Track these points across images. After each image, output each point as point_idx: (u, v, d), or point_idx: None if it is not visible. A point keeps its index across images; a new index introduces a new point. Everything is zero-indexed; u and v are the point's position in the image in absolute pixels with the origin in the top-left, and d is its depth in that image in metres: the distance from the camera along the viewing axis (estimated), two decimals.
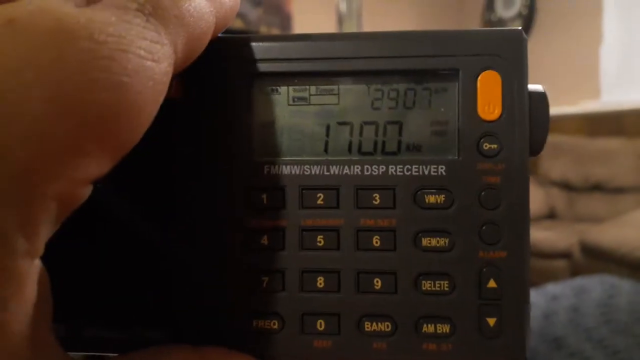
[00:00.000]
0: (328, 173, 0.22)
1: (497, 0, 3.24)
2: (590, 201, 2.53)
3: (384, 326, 0.21)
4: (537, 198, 2.51)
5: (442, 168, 0.21)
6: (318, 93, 0.22)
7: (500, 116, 0.21)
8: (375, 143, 0.22)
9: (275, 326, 0.22)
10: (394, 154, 0.22)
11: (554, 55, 2.69)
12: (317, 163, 0.22)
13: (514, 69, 0.21)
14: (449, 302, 0.21)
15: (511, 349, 0.21)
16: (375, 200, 0.22)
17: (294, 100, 0.22)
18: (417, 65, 0.22)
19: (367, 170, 0.22)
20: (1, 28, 0.14)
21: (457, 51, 0.21)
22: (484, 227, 0.21)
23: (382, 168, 0.22)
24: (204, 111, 0.22)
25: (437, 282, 0.21)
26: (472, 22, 3.36)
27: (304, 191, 0.22)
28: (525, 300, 0.21)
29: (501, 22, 3.17)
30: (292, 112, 0.22)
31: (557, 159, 2.57)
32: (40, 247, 0.15)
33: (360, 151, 0.22)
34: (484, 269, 0.21)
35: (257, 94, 0.22)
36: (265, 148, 0.22)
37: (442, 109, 0.22)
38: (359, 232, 0.22)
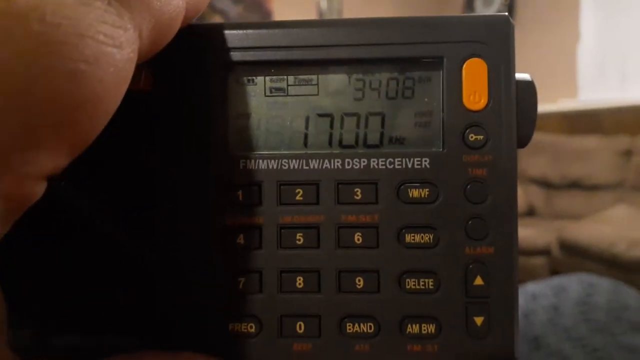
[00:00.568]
0: (307, 167, 0.21)
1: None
2: (569, 198, 2.56)
3: (367, 327, 0.20)
4: None
5: (426, 161, 0.20)
6: (296, 83, 0.21)
7: (487, 106, 0.20)
8: (357, 135, 0.21)
9: (252, 329, 0.21)
10: (376, 146, 0.21)
11: (532, 54, 2.71)
12: (295, 157, 0.21)
13: (500, 56, 0.20)
14: (435, 300, 0.20)
15: (499, 349, 0.20)
16: (357, 196, 0.21)
17: (271, 91, 0.21)
18: (400, 53, 0.21)
19: (348, 164, 0.21)
20: None
21: (441, 38, 0.20)
22: (470, 222, 0.20)
23: (364, 162, 0.21)
24: (175, 104, 0.21)
25: (421, 280, 0.20)
26: None
27: (282, 187, 0.21)
28: (513, 298, 0.20)
29: None
30: (269, 104, 0.21)
31: (536, 157, 2.60)
32: None
33: (341, 144, 0.21)
34: (471, 266, 0.20)
35: (232, 85, 0.21)
36: (240, 142, 0.21)
37: (426, 99, 0.21)
38: (340, 229, 0.21)
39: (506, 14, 0.21)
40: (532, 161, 2.61)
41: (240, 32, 0.21)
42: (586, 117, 2.68)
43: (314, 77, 0.21)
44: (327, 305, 0.20)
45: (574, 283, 0.69)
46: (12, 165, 0.13)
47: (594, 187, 2.51)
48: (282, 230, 0.21)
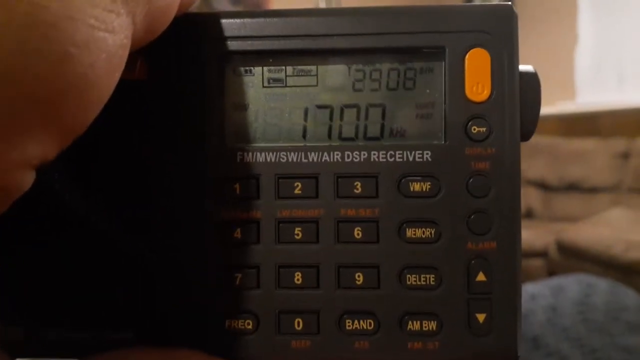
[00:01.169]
0: (306, 160, 0.20)
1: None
2: (567, 200, 2.56)
3: (367, 324, 0.20)
4: None
5: (427, 154, 0.20)
6: (295, 74, 0.21)
7: (490, 97, 0.20)
8: (357, 128, 0.21)
9: (250, 326, 0.20)
10: (376, 139, 0.21)
11: (530, 57, 2.71)
12: (294, 149, 0.20)
13: (503, 46, 0.20)
14: (436, 297, 0.20)
15: (502, 346, 0.19)
16: (357, 189, 0.20)
17: (269, 82, 0.21)
18: (401, 42, 0.20)
19: (348, 157, 0.20)
20: None
21: (443, 28, 0.20)
22: (472, 217, 0.20)
23: (364, 154, 0.20)
24: (171, 94, 0.20)
25: (422, 275, 0.20)
26: None
27: (280, 180, 0.20)
28: (516, 294, 0.20)
29: None
30: (267, 95, 0.21)
31: (534, 159, 2.60)
32: None
33: (340, 137, 0.21)
34: (473, 261, 0.20)
35: (229, 75, 0.21)
36: (237, 134, 0.21)
37: (428, 90, 0.20)
38: (340, 224, 0.20)
39: (510, 3, 0.20)
40: (530, 163, 2.61)
41: (238, 20, 0.20)
42: (584, 119, 2.68)
43: (313, 67, 0.21)
44: (326, 301, 0.20)
45: (572, 284, 0.69)
46: None
47: (591, 190, 2.51)
48: (280, 225, 0.20)
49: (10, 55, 0.12)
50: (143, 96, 0.20)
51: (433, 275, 0.20)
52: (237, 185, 0.20)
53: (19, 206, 0.15)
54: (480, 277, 0.20)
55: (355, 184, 0.20)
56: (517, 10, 0.20)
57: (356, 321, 0.20)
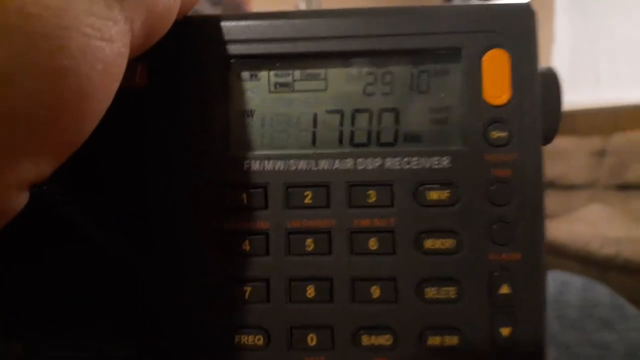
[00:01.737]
0: (316, 168, 0.19)
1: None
2: (545, 198, 2.60)
3: (384, 339, 0.19)
4: None
5: (445, 160, 0.19)
6: (303, 78, 0.20)
7: (509, 100, 0.19)
8: (369, 133, 0.20)
9: (260, 342, 0.19)
10: (390, 145, 0.20)
11: None
12: (303, 157, 0.19)
13: (523, 46, 0.19)
14: (457, 310, 0.19)
15: None
16: (371, 198, 0.19)
17: (275, 87, 0.20)
18: (414, 44, 0.19)
19: (361, 164, 0.19)
20: None
21: (458, 28, 0.19)
22: (494, 226, 0.19)
23: (378, 161, 0.19)
24: (173, 101, 0.19)
25: (442, 288, 0.19)
26: None
27: (289, 189, 0.19)
28: (542, 307, 0.19)
29: None
30: (273, 100, 0.20)
31: None
32: None
33: (352, 143, 0.20)
34: (495, 273, 0.19)
35: (233, 81, 0.20)
36: (243, 141, 0.20)
37: (443, 94, 0.20)
38: (353, 234, 0.19)
39: (527, 1, 0.20)
40: None
41: (242, 23, 0.19)
42: (561, 118, 2.72)
43: (322, 71, 0.20)
44: (341, 315, 0.19)
45: (548, 282, 0.70)
46: None
47: (569, 187, 2.55)
48: (291, 236, 0.19)
49: (1, 69, 0.11)
50: (144, 103, 0.19)
51: (453, 288, 0.19)
52: (244, 195, 0.19)
53: (16, 221, 0.13)
54: (504, 289, 0.19)
55: (369, 192, 0.19)
56: None
57: (373, 336, 0.19)
